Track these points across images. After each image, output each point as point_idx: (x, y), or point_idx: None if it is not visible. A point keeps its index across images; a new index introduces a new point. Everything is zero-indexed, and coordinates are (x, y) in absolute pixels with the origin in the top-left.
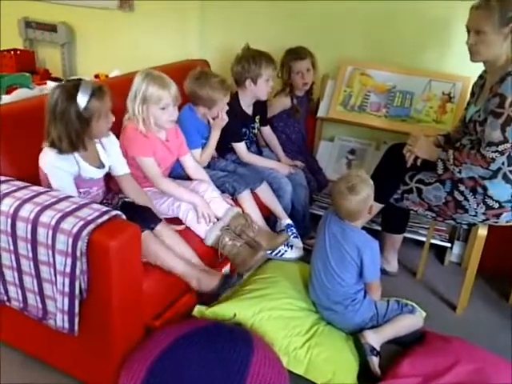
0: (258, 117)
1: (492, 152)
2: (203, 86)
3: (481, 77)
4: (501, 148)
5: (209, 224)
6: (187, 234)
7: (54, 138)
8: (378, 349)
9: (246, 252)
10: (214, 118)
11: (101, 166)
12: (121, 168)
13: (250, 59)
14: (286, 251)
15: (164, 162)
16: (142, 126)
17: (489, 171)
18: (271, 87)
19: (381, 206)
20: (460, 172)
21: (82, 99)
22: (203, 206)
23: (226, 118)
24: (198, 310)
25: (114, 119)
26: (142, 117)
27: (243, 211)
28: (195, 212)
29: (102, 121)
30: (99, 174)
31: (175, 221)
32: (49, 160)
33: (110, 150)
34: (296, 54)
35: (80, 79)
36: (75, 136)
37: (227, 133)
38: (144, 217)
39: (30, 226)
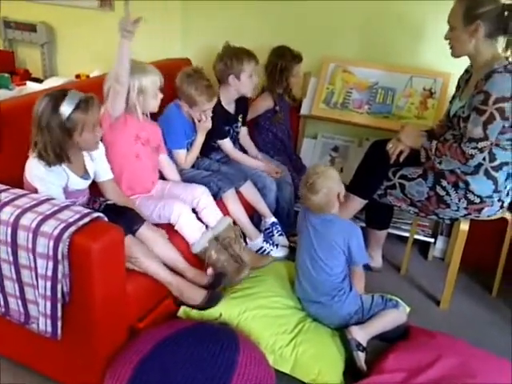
0: (240, 116)
1: (472, 148)
2: (191, 84)
3: (467, 71)
4: (480, 145)
5: (200, 230)
6: (174, 236)
7: (40, 148)
8: (364, 344)
9: (230, 267)
10: (199, 120)
11: (86, 175)
12: (105, 174)
13: (232, 56)
14: (271, 250)
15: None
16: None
17: (468, 167)
18: (255, 83)
19: (364, 202)
20: (440, 163)
21: (65, 110)
22: None
23: (209, 124)
24: (184, 310)
25: (101, 133)
26: (140, 107)
27: (231, 217)
28: (187, 216)
29: (87, 134)
30: (85, 184)
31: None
32: (37, 173)
33: (96, 158)
34: (295, 56)
35: (68, 89)
36: (59, 148)
37: (210, 131)
38: (127, 218)
39: (9, 229)
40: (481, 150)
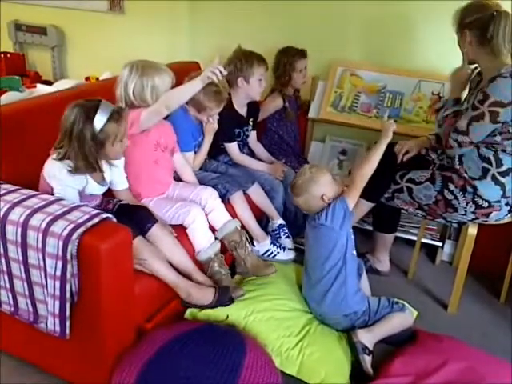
0: (251, 119)
1: (453, 140)
2: (200, 90)
3: (479, 73)
4: (460, 138)
5: (209, 240)
6: (181, 238)
7: (71, 156)
8: (370, 348)
9: (227, 282)
10: (206, 123)
11: (103, 182)
12: (121, 184)
13: (243, 58)
14: (278, 253)
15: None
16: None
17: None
18: (263, 87)
19: (371, 205)
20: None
21: (99, 121)
22: None
23: (216, 126)
24: (191, 312)
25: (127, 143)
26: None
27: (239, 220)
28: (201, 222)
29: (118, 144)
30: (101, 190)
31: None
32: (56, 174)
33: (115, 167)
34: (298, 52)
35: (100, 100)
36: (92, 158)
37: (219, 133)
38: (140, 217)
39: (19, 230)
40: (459, 144)
